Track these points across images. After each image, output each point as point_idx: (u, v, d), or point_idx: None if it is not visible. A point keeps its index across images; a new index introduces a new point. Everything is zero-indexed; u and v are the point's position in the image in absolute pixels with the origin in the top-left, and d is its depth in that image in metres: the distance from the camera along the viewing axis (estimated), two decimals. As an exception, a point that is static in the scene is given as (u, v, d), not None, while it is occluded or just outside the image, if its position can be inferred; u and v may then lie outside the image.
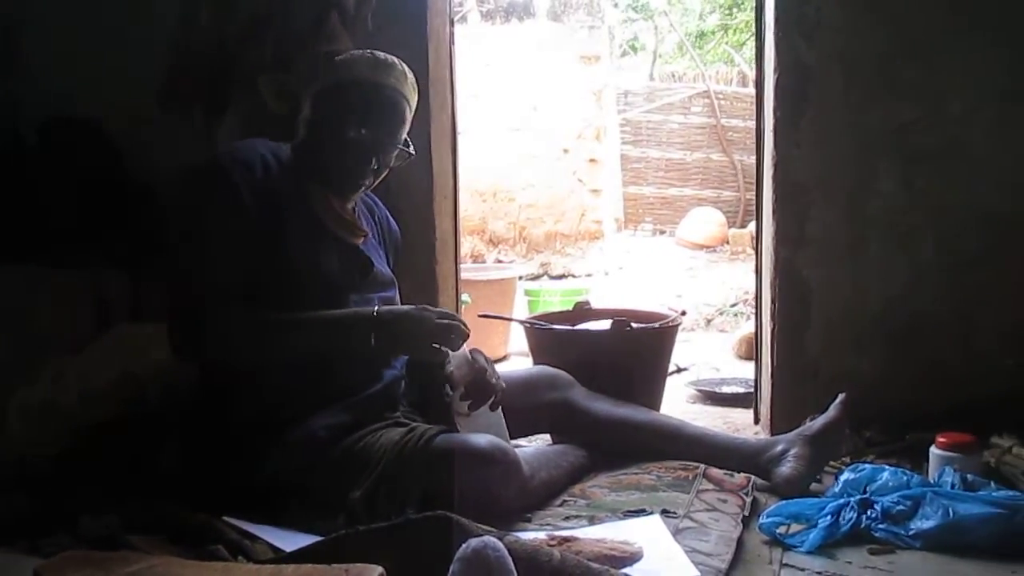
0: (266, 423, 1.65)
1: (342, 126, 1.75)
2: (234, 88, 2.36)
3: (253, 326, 1.66)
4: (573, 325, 2.56)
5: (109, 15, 2.49)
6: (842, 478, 1.84)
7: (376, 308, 1.71)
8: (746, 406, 2.74)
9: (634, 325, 2.46)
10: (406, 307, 1.77)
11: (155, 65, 2.42)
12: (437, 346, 1.70)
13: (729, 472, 1.95)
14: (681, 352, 3.24)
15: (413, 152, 1.86)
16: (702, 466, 1.95)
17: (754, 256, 2.59)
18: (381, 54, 1.82)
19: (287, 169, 1.76)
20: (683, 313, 2.63)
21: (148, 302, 2.35)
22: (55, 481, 1.75)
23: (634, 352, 2.42)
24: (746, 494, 1.85)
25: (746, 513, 1.76)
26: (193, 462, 1.74)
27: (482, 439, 1.66)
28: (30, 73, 2.54)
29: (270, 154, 1.76)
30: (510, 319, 3.28)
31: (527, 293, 4.47)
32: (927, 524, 1.63)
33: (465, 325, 1.74)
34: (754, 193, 2.57)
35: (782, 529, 1.69)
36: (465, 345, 1.79)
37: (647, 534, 1.59)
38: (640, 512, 1.72)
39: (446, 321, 1.71)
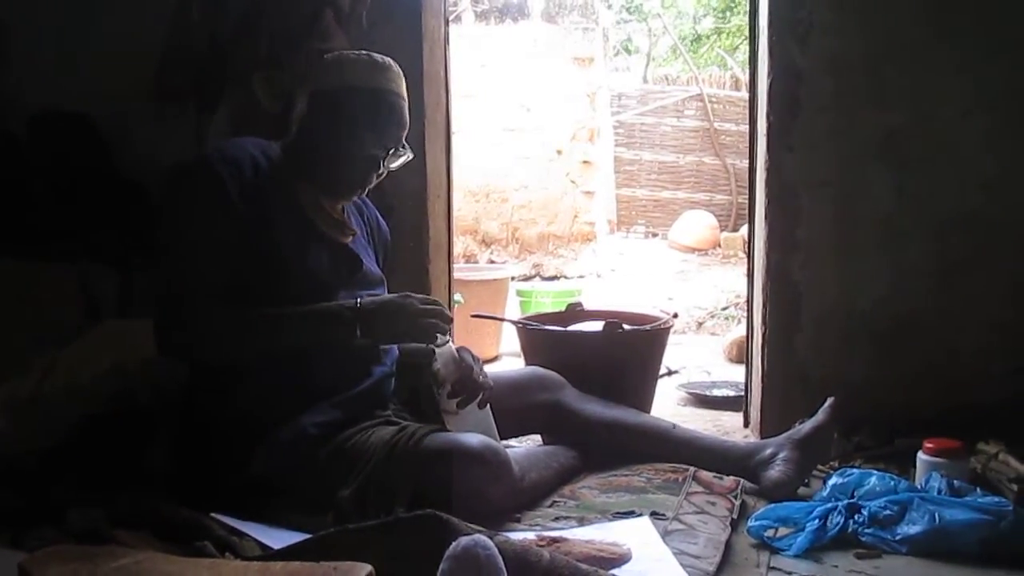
0: (256, 419, 1.64)
1: (342, 134, 1.73)
2: (226, 85, 2.35)
3: (236, 323, 1.65)
4: (565, 326, 2.57)
5: (100, 11, 2.48)
6: (830, 482, 1.84)
7: (359, 299, 1.70)
8: (736, 409, 2.74)
9: (626, 327, 2.47)
10: (389, 295, 1.77)
11: (146, 61, 2.41)
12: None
13: (718, 475, 1.95)
14: (672, 355, 3.25)
15: (412, 154, 1.85)
16: (691, 469, 1.96)
17: (745, 260, 2.59)
18: (378, 56, 1.80)
19: (277, 168, 1.75)
20: (675, 316, 2.64)
21: (137, 297, 2.34)
22: (42, 475, 1.74)
23: (625, 354, 2.42)
24: (735, 497, 1.85)
25: (735, 516, 1.76)
26: (182, 458, 1.73)
27: (473, 439, 1.66)
28: (19, 68, 2.53)
29: (260, 152, 1.74)
30: (502, 319, 3.28)
31: (519, 294, 4.47)
32: (913, 529, 1.64)
33: (448, 310, 1.75)
34: (746, 197, 2.57)
35: (770, 532, 1.69)
36: (453, 343, 1.80)
37: (636, 536, 1.60)
38: (629, 514, 1.73)
39: (430, 307, 1.71)
